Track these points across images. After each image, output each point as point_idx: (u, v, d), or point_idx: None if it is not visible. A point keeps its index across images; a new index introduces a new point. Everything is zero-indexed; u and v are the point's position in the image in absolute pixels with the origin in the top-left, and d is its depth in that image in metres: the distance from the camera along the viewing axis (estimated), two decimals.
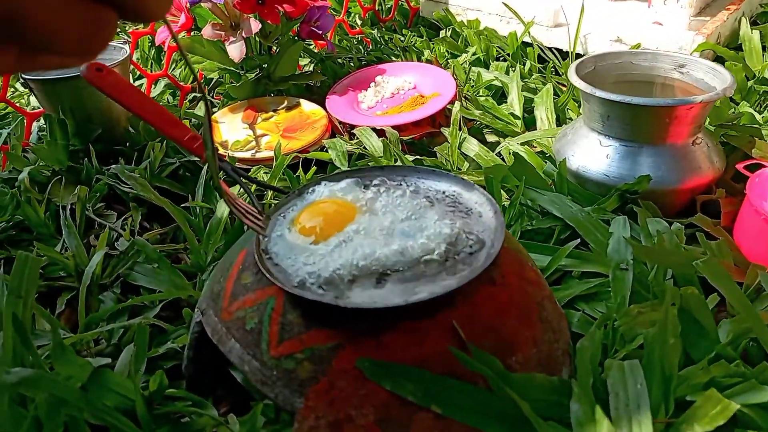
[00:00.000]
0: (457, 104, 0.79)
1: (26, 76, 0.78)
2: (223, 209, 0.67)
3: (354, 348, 0.41)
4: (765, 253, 0.55)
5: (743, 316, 0.47)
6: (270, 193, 0.70)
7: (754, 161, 0.63)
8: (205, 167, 0.73)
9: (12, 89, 1.06)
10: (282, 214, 0.49)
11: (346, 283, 0.42)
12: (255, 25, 0.80)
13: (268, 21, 0.80)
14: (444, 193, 0.51)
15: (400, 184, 0.51)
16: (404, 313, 0.41)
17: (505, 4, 1.01)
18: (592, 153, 0.65)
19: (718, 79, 0.64)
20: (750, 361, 0.47)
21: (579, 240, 0.58)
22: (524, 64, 0.96)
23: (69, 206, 0.66)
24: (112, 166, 0.71)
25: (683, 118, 0.60)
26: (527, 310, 0.46)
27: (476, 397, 0.41)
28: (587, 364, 0.45)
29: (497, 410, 0.41)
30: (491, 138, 0.83)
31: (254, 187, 0.51)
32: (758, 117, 0.75)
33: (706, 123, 0.68)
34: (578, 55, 0.95)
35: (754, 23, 0.95)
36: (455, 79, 0.88)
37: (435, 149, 0.79)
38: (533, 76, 0.93)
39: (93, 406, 0.43)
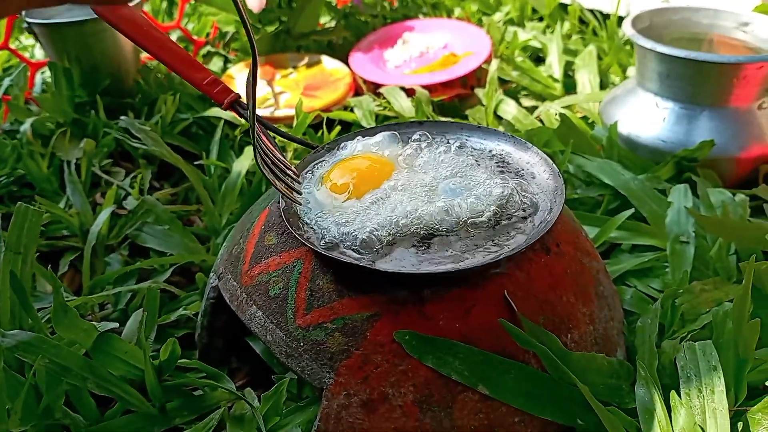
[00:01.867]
0: (494, 63, 0.74)
1: (30, 20, 0.72)
2: (240, 168, 0.62)
3: (392, 318, 0.36)
4: None
5: None
6: (292, 151, 0.65)
7: None
8: (221, 124, 0.68)
9: (17, 42, 1.00)
10: (310, 171, 0.44)
11: (385, 244, 0.37)
12: None
13: None
14: (491, 152, 0.45)
15: (445, 140, 0.46)
16: (450, 281, 0.37)
17: None
18: (647, 116, 0.59)
19: None
20: None
21: (632, 210, 0.53)
22: (563, 26, 0.90)
23: (74, 161, 0.61)
24: (121, 118, 0.66)
25: (751, 79, 0.54)
26: (584, 283, 0.41)
27: (528, 378, 0.37)
28: (650, 345, 0.41)
29: (552, 393, 0.37)
30: (527, 102, 0.78)
31: (278, 139, 0.46)
32: None
33: None
34: (621, 18, 0.89)
35: None
36: (490, 38, 0.82)
37: (467, 112, 0.74)
38: (572, 38, 0.87)
39: (98, 375, 0.39)
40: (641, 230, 0.53)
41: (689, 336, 0.43)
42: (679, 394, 0.37)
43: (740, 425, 0.37)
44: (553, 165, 0.42)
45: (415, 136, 0.45)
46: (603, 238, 0.53)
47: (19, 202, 0.43)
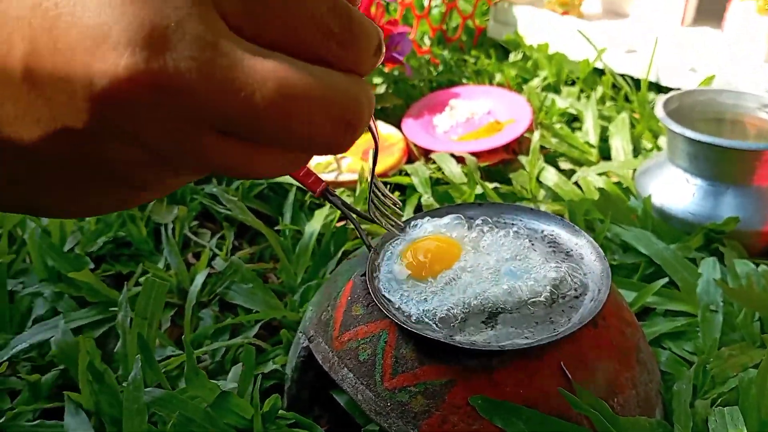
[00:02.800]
0: (536, 133, 0.81)
1: None
2: (312, 230, 0.70)
3: (466, 384, 0.43)
4: None
5: None
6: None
7: None
8: (293, 189, 0.76)
9: None
10: (389, 249, 0.52)
11: (459, 321, 0.45)
12: None
13: None
14: (542, 232, 0.53)
15: (502, 223, 0.53)
16: (515, 353, 0.43)
17: (580, 32, 1.02)
18: (677, 190, 0.66)
19: None
20: None
21: (667, 278, 0.60)
22: (596, 90, 0.97)
23: (170, 225, 0.70)
24: (205, 186, 0.74)
25: None
26: (626, 351, 0.48)
27: None
28: (685, 407, 0.47)
29: None
30: (565, 165, 0.85)
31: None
32: None
33: None
34: (651, 84, 0.96)
35: None
36: (530, 105, 0.89)
37: (510, 176, 0.81)
38: (606, 104, 0.94)
39: (216, 426, 0.47)
40: (675, 296, 0.59)
41: (719, 397, 0.50)
42: None
43: None
44: (599, 249, 0.49)
45: (478, 221, 0.53)
46: (640, 303, 0.59)
47: (147, 276, 0.52)
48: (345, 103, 0.23)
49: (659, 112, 0.67)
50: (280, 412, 0.51)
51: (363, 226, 0.73)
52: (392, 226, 0.50)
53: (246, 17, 0.21)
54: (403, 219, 0.53)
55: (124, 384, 0.46)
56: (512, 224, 0.53)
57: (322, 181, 0.54)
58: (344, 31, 0.23)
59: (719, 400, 0.48)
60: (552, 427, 0.42)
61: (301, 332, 0.55)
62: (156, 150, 0.21)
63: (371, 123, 0.39)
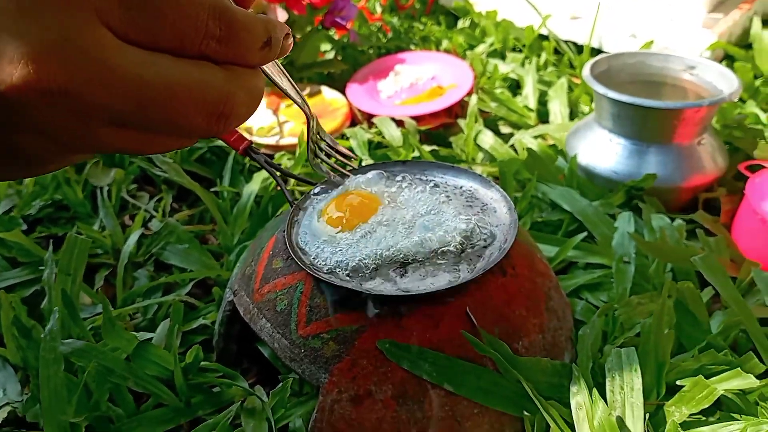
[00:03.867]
0: (474, 97, 0.82)
1: None
2: (250, 192, 0.71)
3: (376, 330, 0.45)
4: (760, 251, 0.59)
5: (734, 309, 0.51)
6: (293, 180, 0.73)
7: (756, 162, 0.66)
8: (233, 152, 0.77)
9: None
10: (310, 205, 0.53)
11: (371, 270, 0.46)
12: (281, 15, 0.82)
13: (294, 11, 0.83)
14: (461, 188, 0.54)
15: (421, 179, 0.55)
16: (422, 300, 0.45)
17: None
18: (602, 150, 0.68)
19: (726, 83, 0.67)
20: (738, 351, 0.51)
21: (586, 233, 0.62)
22: (540, 57, 0.98)
23: (106, 187, 0.70)
24: None
25: (690, 120, 0.63)
26: (535, 299, 0.50)
27: (485, 378, 0.45)
28: (588, 350, 0.49)
29: (503, 390, 0.45)
30: (505, 129, 0.86)
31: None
32: (763, 117, 0.78)
33: (713, 122, 0.71)
34: (593, 49, 0.98)
35: (766, 23, 0.97)
36: (473, 71, 0.90)
37: (450, 140, 0.82)
38: (548, 69, 0.96)
39: (136, 375, 0.48)
40: (593, 250, 0.62)
41: (621, 343, 0.52)
42: (604, 391, 0.46)
43: (659, 416, 0.46)
44: (511, 202, 0.51)
45: (398, 178, 0.54)
46: (561, 257, 0.61)
47: (70, 233, 0.53)
48: (218, 97, 0.27)
49: (586, 74, 0.68)
50: (205, 363, 0.52)
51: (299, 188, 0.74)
52: (337, 174, 0.53)
53: (130, 26, 0.24)
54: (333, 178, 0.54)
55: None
56: (431, 180, 0.55)
57: (245, 139, 0.55)
58: (225, 30, 0.26)
59: (624, 345, 0.51)
60: (456, 368, 0.44)
61: (228, 288, 0.56)
62: (58, 140, 0.25)
63: (292, 93, 0.41)
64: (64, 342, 0.47)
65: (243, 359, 0.58)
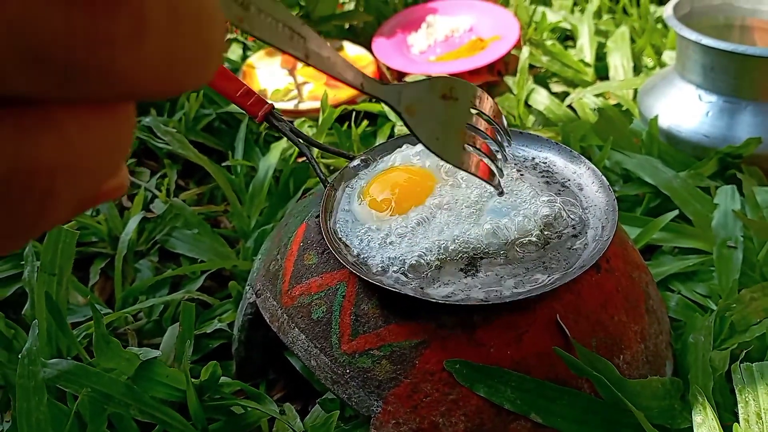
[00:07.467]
0: (525, 50, 0.71)
1: None
2: (267, 166, 0.61)
3: (441, 346, 0.36)
4: None
5: None
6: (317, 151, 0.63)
7: None
8: (246, 119, 0.66)
9: None
10: (348, 185, 0.43)
11: (433, 269, 0.36)
12: None
13: None
14: (533, 159, 0.44)
15: None
16: (501, 307, 0.36)
17: None
18: (688, 109, 0.57)
19: None
20: None
21: (677, 211, 0.51)
22: (591, 2, 0.86)
23: None
24: (144, 118, 0.64)
25: None
26: (634, 300, 0.40)
27: (582, 405, 0.36)
28: (707, 365, 0.40)
29: (605, 419, 0.36)
30: (557, 88, 0.75)
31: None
32: None
33: None
34: None
35: None
36: (518, 20, 0.79)
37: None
38: (603, 18, 0.84)
39: (140, 401, 0.39)
40: (686, 232, 0.51)
41: (739, 348, 0.42)
42: (736, 417, 0.36)
43: None
44: (602, 177, 0.41)
45: None
46: (645, 240, 0.51)
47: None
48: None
49: (669, 16, 0.57)
50: (224, 379, 0.43)
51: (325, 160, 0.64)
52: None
53: None
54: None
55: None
56: (496, 151, 0.44)
57: (265, 102, 0.45)
58: None
59: (742, 353, 0.41)
60: (545, 393, 0.35)
61: (249, 285, 0.46)
62: None
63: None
64: (49, 363, 0.37)
65: (268, 368, 0.49)
